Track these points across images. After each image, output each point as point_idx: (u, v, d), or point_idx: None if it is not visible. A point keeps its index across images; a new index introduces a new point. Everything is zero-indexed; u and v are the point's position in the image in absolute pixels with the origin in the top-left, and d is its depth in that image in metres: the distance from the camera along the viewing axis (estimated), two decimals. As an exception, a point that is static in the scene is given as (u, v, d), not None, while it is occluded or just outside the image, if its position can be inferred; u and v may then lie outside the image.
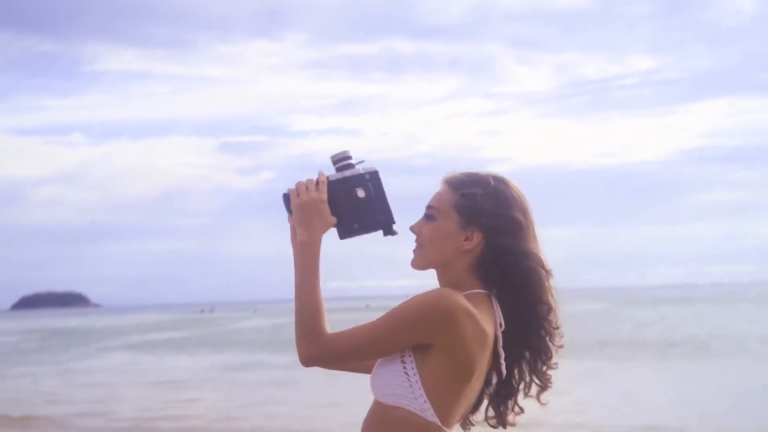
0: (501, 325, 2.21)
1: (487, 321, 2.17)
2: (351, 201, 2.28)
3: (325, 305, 2.23)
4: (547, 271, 2.24)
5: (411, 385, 2.13)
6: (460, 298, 2.12)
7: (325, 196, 2.26)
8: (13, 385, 22.59)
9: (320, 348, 2.17)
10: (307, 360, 2.18)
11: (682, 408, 14.67)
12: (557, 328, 2.27)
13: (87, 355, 34.29)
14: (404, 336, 2.12)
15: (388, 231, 2.30)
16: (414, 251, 2.27)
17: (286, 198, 2.30)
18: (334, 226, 2.28)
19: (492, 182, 2.26)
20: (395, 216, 2.30)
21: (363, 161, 2.32)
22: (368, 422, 2.20)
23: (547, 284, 2.24)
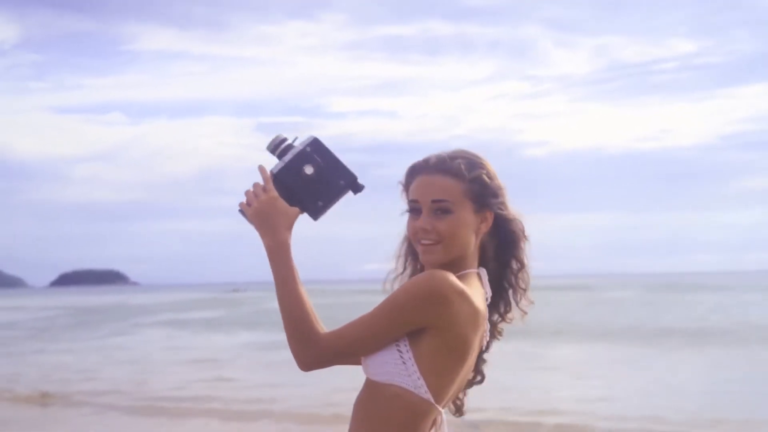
0: (488, 299, 2.24)
1: (479, 299, 2.18)
2: (304, 181, 2.22)
3: (314, 303, 2.21)
4: (525, 235, 2.31)
5: (404, 362, 2.11)
6: (452, 279, 2.11)
7: (274, 192, 2.22)
8: (43, 361, 22.74)
9: (316, 351, 2.13)
10: (306, 365, 2.15)
11: (735, 399, 14.34)
12: (525, 288, 2.33)
13: (122, 332, 34.54)
14: (402, 324, 2.10)
15: (356, 189, 2.26)
16: (429, 248, 2.21)
17: (242, 212, 2.24)
18: (301, 214, 2.24)
19: (478, 157, 2.28)
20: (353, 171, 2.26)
21: (297, 137, 2.26)
22: (360, 400, 2.18)
23: (523, 246, 2.31)
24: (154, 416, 13.38)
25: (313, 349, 2.13)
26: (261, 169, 2.25)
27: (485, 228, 2.25)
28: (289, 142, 2.24)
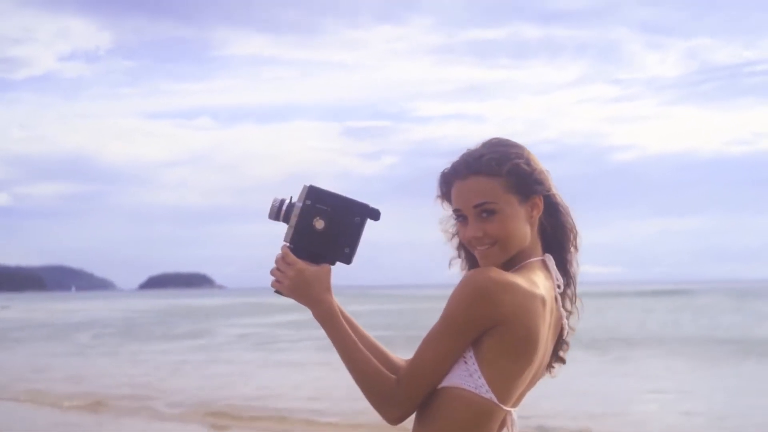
0: (559, 286, 2.17)
1: (542, 286, 2.09)
2: (321, 237, 2.15)
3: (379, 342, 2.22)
4: (576, 240, 2.22)
5: (466, 362, 2.03)
6: (493, 274, 2.03)
7: (299, 263, 2.14)
8: (98, 365, 23.03)
9: (399, 404, 2.06)
10: (393, 421, 2.09)
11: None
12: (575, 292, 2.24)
13: (197, 335, 34.94)
14: (462, 337, 2.02)
15: (374, 217, 2.17)
16: (486, 253, 2.13)
17: (279, 292, 2.19)
18: (336, 263, 2.17)
19: (509, 147, 2.17)
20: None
21: (291, 196, 2.16)
22: (422, 404, 2.08)
23: (573, 251, 2.22)
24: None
25: (394, 407, 2.07)
26: (282, 247, 2.18)
27: (537, 214, 2.15)
28: (288, 201, 2.16)
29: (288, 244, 2.16)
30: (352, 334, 2.15)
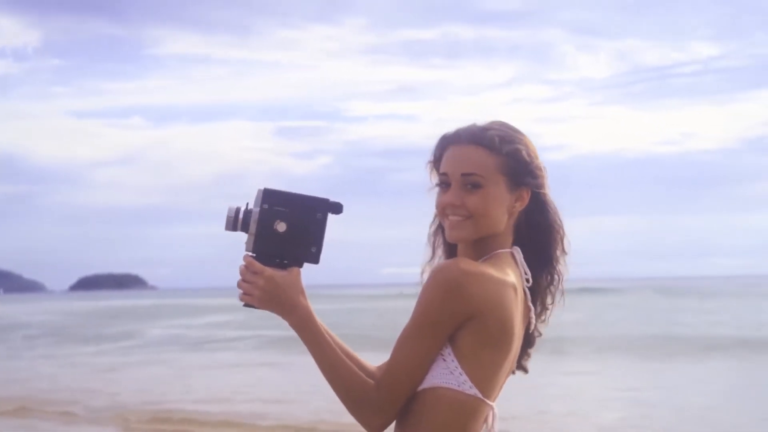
0: (528, 280, 2.12)
1: (513, 276, 2.05)
2: (284, 240, 2.05)
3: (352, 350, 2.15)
4: (563, 237, 2.19)
5: (444, 359, 1.97)
6: (462, 264, 1.98)
7: (267, 270, 2.03)
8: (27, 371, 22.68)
9: (381, 410, 1.98)
10: (378, 429, 2.01)
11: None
12: (562, 290, 2.21)
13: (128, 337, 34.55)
14: (438, 333, 1.96)
15: (336, 211, 2.07)
16: (458, 224, 2.07)
17: (249, 305, 2.08)
18: (306, 264, 2.07)
19: (516, 132, 2.13)
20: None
21: (248, 202, 2.06)
22: (403, 410, 2.01)
23: (561, 241, 2.18)
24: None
25: (375, 414, 1.99)
26: (244, 257, 2.06)
27: (520, 206, 2.11)
28: (244, 209, 2.06)
29: (251, 254, 2.06)
30: (331, 341, 2.05)
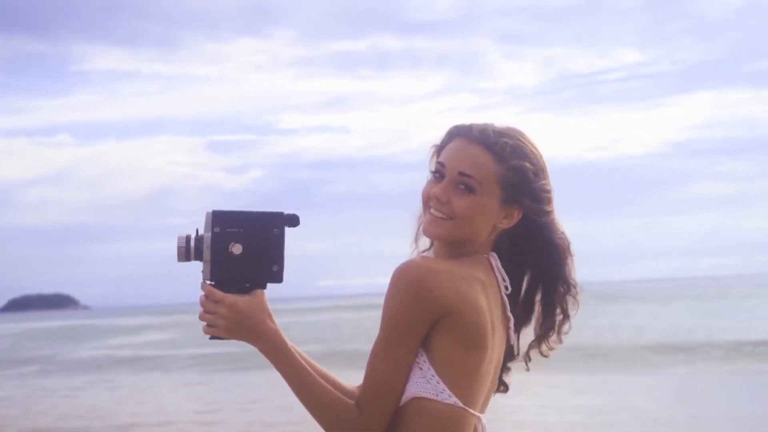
0: (507, 287, 2.03)
1: (482, 276, 1.97)
2: (242, 262, 1.93)
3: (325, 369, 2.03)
4: (571, 252, 2.07)
5: (420, 367, 1.88)
6: (425, 263, 1.91)
7: (229, 297, 1.92)
8: None
9: (366, 428, 1.88)
10: None
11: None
12: (570, 313, 2.08)
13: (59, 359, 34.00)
14: (410, 339, 1.88)
15: (292, 223, 1.97)
16: (438, 221, 1.98)
17: (215, 337, 1.96)
18: (269, 284, 1.98)
19: (529, 147, 2.02)
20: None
21: (197, 229, 1.96)
22: (387, 428, 1.92)
23: (570, 263, 2.07)
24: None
25: (360, 428, 1.88)
26: (203, 287, 1.96)
27: (506, 224, 2.01)
28: (194, 236, 1.94)
29: (209, 282, 1.95)
30: (305, 363, 1.95)
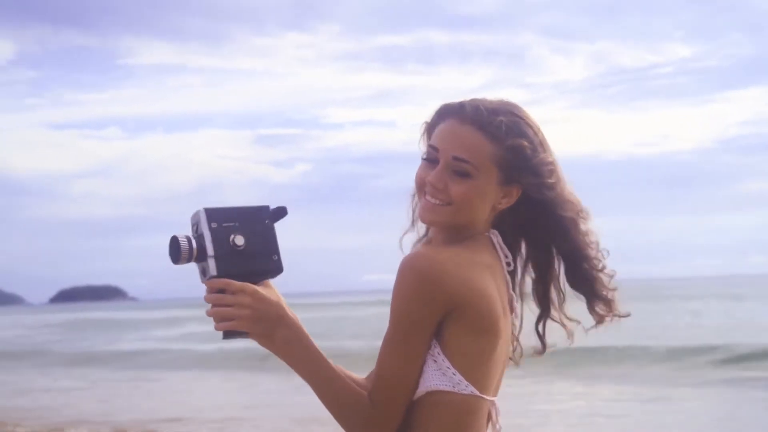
0: (509, 264, 1.99)
1: (488, 258, 1.93)
2: (247, 253, 1.90)
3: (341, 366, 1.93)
4: (584, 214, 2.00)
5: (435, 360, 1.84)
6: (431, 254, 1.87)
7: (248, 288, 1.87)
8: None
9: (380, 425, 1.84)
10: None
11: None
12: (601, 270, 2.02)
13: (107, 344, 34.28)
14: (421, 332, 1.83)
15: (282, 215, 1.95)
16: (435, 208, 1.92)
17: (232, 333, 1.89)
18: (274, 276, 1.94)
19: (525, 121, 1.96)
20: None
21: (193, 227, 1.92)
22: (403, 422, 1.87)
23: (584, 228, 2.00)
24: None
25: (376, 425, 1.84)
26: (212, 282, 1.89)
27: (506, 204, 1.95)
28: (192, 234, 1.91)
29: (214, 276, 1.90)
30: (319, 351, 1.88)
